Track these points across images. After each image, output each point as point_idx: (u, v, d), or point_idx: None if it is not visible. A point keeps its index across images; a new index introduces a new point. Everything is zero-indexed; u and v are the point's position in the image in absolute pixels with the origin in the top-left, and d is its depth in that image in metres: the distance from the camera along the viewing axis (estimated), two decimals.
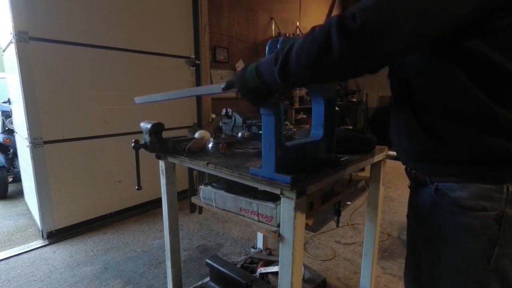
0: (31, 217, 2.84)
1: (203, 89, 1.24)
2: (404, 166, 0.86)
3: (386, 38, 0.52)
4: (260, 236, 2.13)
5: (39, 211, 2.37)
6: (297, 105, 4.88)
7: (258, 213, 0.99)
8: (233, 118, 1.54)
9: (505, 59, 0.56)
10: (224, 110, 1.57)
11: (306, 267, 1.75)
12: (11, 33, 2.16)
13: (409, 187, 0.89)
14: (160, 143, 1.24)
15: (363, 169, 1.25)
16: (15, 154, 3.64)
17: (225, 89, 0.85)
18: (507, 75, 0.57)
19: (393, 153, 0.96)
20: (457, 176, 0.67)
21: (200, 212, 2.79)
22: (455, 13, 0.52)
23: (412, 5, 0.50)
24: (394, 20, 0.51)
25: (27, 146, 2.30)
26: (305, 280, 1.63)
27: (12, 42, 2.21)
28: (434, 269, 0.75)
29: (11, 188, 3.57)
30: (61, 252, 2.26)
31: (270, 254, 2.07)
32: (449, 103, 0.64)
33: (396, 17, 0.51)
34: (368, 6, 0.52)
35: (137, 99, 1.30)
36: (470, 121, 0.62)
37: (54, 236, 2.43)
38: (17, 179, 3.71)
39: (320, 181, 0.93)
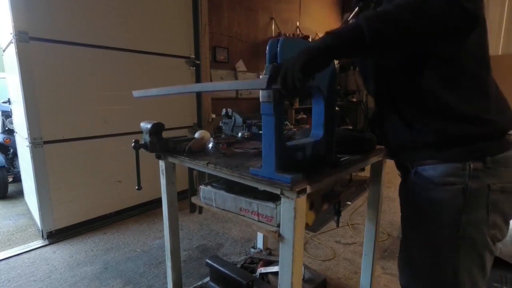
0: (31, 217, 2.84)
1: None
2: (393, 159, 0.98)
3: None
4: (260, 236, 2.13)
5: (39, 211, 2.37)
6: (297, 105, 4.88)
7: (258, 213, 0.99)
8: (233, 118, 1.54)
9: (458, 56, 0.72)
10: (224, 110, 1.57)
11: (306, 267, 1.75)
12: (11, 33, 2.16)
13: (400, 176, 0.99)
14: (160, 143, 1.24)
15: (363, 169, 1.25)
16: (15, 154, 3.64)
17: (271, 71, 0.72)
18: (459, 70, 0.73)
19: None
20: (430, 159, 0.80)
21: (200, 212, 2.79)
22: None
23: None
24: None
25: (27, 146, 2.30)
26: (305, 280, 1.64)
27: (12, 42, 2.21)
28: (416, 245, 0.85)
29: (11, 188, 3.56)
30: (61, 252, 2.26)
31: (270, 254, 2.08)
32: (416, 97, 0.78)
33: None
34: None
35: (135, 93, 1.29)
36: (432, 112, 0.77)
37: (54, 236, 2.43)
38: (17, 179, 3.70)
39: (320, 181, 0.94)
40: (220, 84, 1.06)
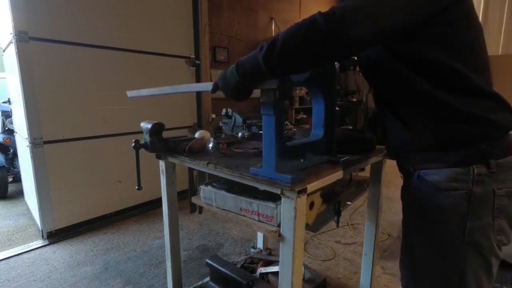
0: (31, 217, 2.84)
1: (192, 87, 1.26)
2: (395, 161, 0.97)
3: (360, 26, 0.64)
4: (260, 236, 2.13)
5: (39, 211, 2.37)
6: (297, 105, 4.88)
7: (258, 213, 0.99)
8: (233, 118, 1.54)
9: (445, 57, 0.70)
10: (224, 110, 1.57)
11: (306, 267, 1.75)
12: (11, 33, 2.16)
13: (402, 178, 0.97)
14: (160, 143, 1.24)
15: (363, 169, 1.25)
16: (15, 154, 3.63)
17: (213, 91, 0.87)
18: (448, 70, 0.71)
19: None
20: (432, 162, 0.79)
21: (200, 212, 2.79)
22: (409, 14, 0.67)
23: (381, 5, 0.65)
24: (365, 15, 0.65)
25: (27, 146, 2.29)
26: (305, 280, 1.64)
27: (12, 42, 2.21)
28: (420, 247, 0.85)
29: (11, 188, 3.56)
30: (61, 252, 2.26)
31: (270, 254, 2.08)
32: (410, 99, 0.78)
33: (367, 14, 0.65)
34: (347, 5, 0.65)
35: (129, 93, 1.30)
36: (429, 113, 0.76)
37: (54, 236, 2.43)
38: (17, 179, 3.70)
39: (320, 181, 0.93)
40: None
